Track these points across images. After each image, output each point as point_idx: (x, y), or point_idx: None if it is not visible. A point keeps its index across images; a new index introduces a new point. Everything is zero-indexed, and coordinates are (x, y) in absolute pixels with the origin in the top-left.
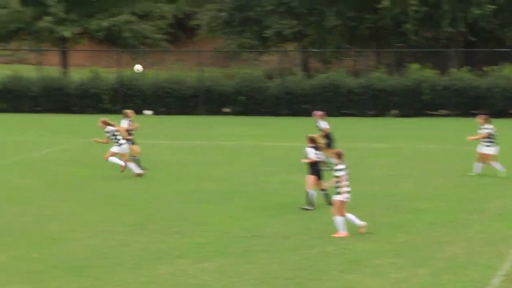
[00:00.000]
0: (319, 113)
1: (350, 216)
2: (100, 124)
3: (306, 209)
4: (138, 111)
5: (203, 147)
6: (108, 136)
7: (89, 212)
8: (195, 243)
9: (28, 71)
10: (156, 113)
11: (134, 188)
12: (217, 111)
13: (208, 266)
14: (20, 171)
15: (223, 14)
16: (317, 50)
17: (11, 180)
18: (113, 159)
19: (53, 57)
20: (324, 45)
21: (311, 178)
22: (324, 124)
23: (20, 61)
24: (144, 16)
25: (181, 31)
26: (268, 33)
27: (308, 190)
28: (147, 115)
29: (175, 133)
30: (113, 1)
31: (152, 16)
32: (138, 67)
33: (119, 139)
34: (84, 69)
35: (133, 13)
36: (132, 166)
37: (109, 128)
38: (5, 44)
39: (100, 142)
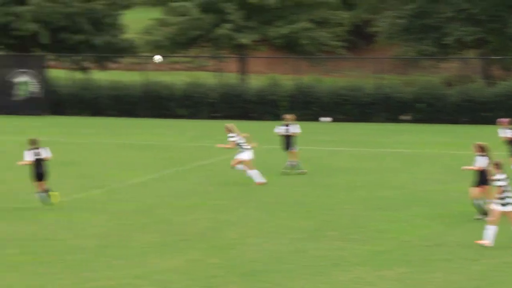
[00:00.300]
0: (505, 120)
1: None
2: (226, 130)
3: (480, 219)
4: (315, 118)
5: (382, 154)
6: (236, 143)
7: (265, 217)
8: (374, 250)
9: (207, 78)
10: (334, 120)
11: (311, 195)
12: (395, 119)
13: (387, 274)
14: (197, 177)
15: (402, 21)
16: (498, 57)
17: (189, 186)
18: (239, 167)
19: (232, 64)
20: (506, 52)
21: (479, 188)
22: (509, 132)
23: (200, 68)
24: (321, 23)
25: (359, 38)
26: (448, 40)
27: (475, 201)
28: (325, 122)
29: (354, 140)
30: (291, 9)
31: (330, 23)
32: (158, 57)
33: (243, 146)
34: (262, 75)
35: (311, 20)
36: (254, 174)
37: (232, 134)
38: (185, 51)
39: (226, 147)
